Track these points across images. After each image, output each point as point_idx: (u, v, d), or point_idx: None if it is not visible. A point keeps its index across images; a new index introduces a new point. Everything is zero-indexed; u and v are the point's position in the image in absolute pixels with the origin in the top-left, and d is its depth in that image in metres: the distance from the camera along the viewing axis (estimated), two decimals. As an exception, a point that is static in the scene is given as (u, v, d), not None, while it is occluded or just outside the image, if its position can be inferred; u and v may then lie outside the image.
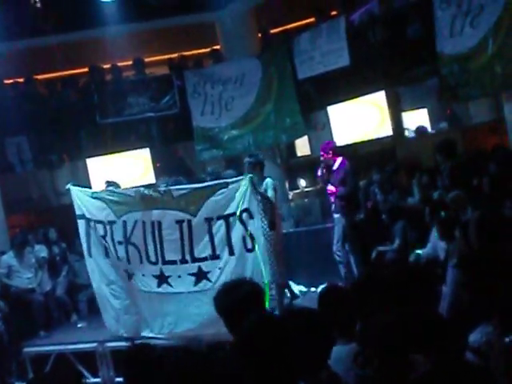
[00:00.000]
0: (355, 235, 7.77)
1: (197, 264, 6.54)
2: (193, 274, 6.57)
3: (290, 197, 10.39)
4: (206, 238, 6.44)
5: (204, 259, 6.51)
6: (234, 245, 6.34)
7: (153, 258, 6.73)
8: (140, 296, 6.99)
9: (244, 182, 6.21)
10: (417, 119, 9.84)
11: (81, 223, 7.19)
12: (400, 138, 9.49)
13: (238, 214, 6.22)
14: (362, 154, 9.46)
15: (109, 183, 7.61)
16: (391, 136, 9.30)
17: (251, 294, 3.08)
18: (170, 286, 6.74)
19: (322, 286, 5.13)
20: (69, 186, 7.30)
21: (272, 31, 11.45)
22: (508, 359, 2.92)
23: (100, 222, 6.99)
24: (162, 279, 6.74)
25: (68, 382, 2.73)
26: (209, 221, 6.39)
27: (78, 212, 7.19)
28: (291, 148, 11.02)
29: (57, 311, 8.92)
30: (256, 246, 6.21)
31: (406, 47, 8.70)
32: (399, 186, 8.00)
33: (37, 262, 8.74)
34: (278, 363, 2.24)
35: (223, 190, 6.30)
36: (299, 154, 11.07)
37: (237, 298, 3.02)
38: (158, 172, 10.43)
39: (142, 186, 7.57)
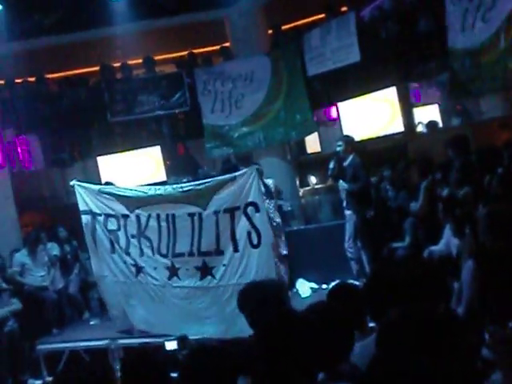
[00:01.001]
0: (367, 232, 7.74)
1: (202, 258, 6.60)
2: (198, 268, 6.62)
3: (301, 194, 10.37)
4: (213, 232, 6.48)
5: (209, 253, 6.56)
6: (238, 241, 6.36)
7: (164, 251, 6.79)
8: (147, 291, 7.03)
9: (251, 173, 6.25)
10: (428, 115, 9.79)
11: (86, 218, 7.21)
12: (411, 134, 9.43)
13: (242, 207, 6.25)
14: (372, 151, 9.41)
15: (107, 184, 7.59)
16: (402, 132, 9.25)
17: (274, 294, 3.13)
18: (179, 279, 6.79)
19: (333, 283, 5.12)
20: (73, 182, 7.34)
21: (282, 28, 11.42)
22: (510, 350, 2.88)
23: (112, 215, 7.04)
24: (173, 272, 6.79)
25: (102, 378, 2.71)
26: (216, 214, 6.44)
27: (82, 208, 7.21)
28: (301, 145, 11.00)
29: (69, 309, 8.99)
30: (262, 242, 6.23)
31: (417, 42, 8.65)
32: (410, 183, 7.95)
33: (49, 260, 8.80)
34: (293, 355, 2.25)
35: (230, 184, 6.36)
36: (309, 150, 11.05)
37: (260, 297, 3.06)
38: (169, 170, 10.44)
39: (153, 184, 7.61)
